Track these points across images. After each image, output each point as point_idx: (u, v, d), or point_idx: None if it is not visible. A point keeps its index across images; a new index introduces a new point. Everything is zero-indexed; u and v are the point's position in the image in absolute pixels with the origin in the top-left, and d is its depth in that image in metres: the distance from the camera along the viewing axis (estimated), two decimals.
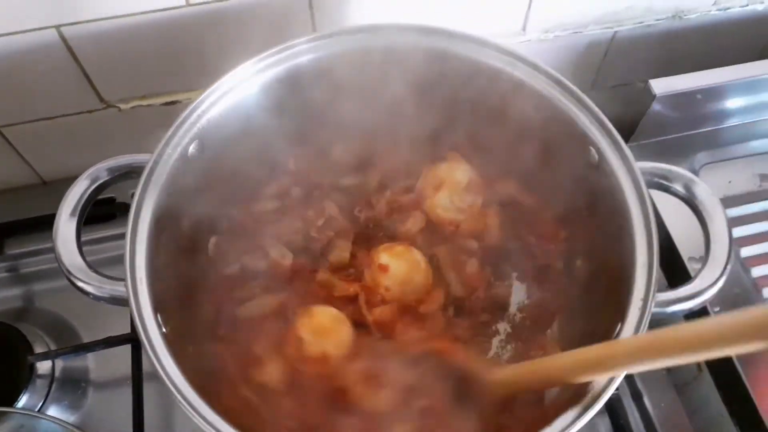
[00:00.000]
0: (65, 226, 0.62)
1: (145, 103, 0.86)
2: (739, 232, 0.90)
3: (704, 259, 0.62)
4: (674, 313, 0.61)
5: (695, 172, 0.94)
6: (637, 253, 0.60)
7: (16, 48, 0.74)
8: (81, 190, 0.64)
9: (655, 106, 0.90)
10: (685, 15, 0.95)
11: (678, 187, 0.66)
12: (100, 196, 0.70)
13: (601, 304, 0.66)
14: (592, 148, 0.66)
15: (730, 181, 0.94)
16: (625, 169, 0.64)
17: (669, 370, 0.83)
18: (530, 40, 0.93)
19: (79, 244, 0.61)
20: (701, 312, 0.77)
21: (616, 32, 0.95)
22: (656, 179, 0.66)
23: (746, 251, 0.88)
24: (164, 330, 0.58)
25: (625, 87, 1.04)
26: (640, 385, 0.82)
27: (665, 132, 0.95)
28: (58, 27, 0.73)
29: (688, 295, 0.61)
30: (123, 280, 0.58)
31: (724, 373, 0.79)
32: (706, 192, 0.65)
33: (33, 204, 0.89)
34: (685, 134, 0.96)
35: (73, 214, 0.62)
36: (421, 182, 0.77)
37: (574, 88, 0.68)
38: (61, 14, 0.72)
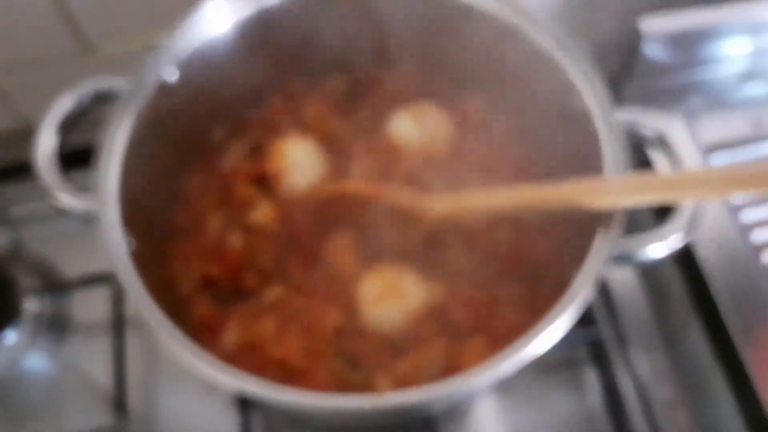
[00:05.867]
0: (46, 140, 0.63)
1: (126, 47, 0.86)
2: None
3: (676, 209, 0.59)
4: (651, 260, 0.58)
5: (690, 119, 0.92)
6: None
7: None
8: (64, 107, 0.64)
9: (646, 48, 0.87)
10: None
11: (651, 136, 0.63)
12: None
13: (561, 249, 0.65)
14: (574, 95, 0.64)
15: (724, 127, 0.92)
16: (603, 118, 0.62)
17: (658, 321, 0.83)
18: None
19: (58, 162, 0.62)
20: (685, 255, 0.79)
21: None
22: (633, 129, 0.63)
23: (737, 197, 0.85)
24: (132, 248, 0.59)
25: (620, 29, 0.95)
26: (625, 330, 0.81)
27: (659, 76, 0.93)
28: None
29: (653, 240, 0.58)
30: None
31: (710, 318, 0.79)
32: (680, 141, 0.62)
33: (17, 149, 0.88)
34: (680, 78, 0.94)
35: (54, 130, 0.63)
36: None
37: (557, 30, 0.66)
38: None
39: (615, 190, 0.58)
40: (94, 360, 0.79)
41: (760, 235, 0.83)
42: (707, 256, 0.80)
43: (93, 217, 0.60)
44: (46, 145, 0.62)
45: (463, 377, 0.51)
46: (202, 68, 0.69)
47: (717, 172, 0.54)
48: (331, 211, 0.69)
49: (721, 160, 0.90)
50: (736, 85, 0.95)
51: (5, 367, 0.77)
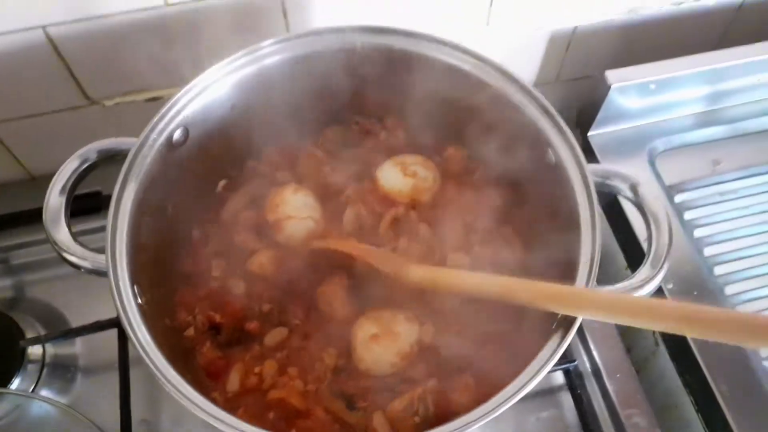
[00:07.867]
0: (55, 201, 0.65)
1: (128, 99, 0.90)
2: (692, 214, 0.94)
3: (645, 257, 0.64)
4: None
5: (653, 160, 0.99)
6: (582, 250, 0.63)
7: (2, 47, 0.78)
8: (71, 168, 0.67)
9: (612, 96, 0.94)
10: (639, 10, 1.00)
11: (625, 188, 0.68)
12: (87, 190, 0.74)
13: None
14: (549, 150, 0.69)
15: (684, 167, 0.98)
16: (578, 170, 0.67)
17: (629, 350, 0.87)
18: (494, 34, 0.97)
19: (67, 220, 0.65)
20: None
21: (576, 27, 1.00)
22: (606, 181, 0.68)
23: (699, 232, 0.92)
24: (140, 301, 0.62)
25: (589, 79, 1.08)
26: (599, 361, 0.85)
27: (624, 121, 1.00)
28: (44, 27, 0.78)
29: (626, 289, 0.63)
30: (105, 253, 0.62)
31: (678, 346, 0.84)
32: (650, 194, 0.67)
33: (22, 198, 0.92)
34: (643, 123, 1.01)
35: (62, 191, 0.66)
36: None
37: (533, 90, 0.71)
38: (47, 15, 0.77)
39: (581, 303, 0.59)
40: (99, 402, 0.81)
41: (723, 269, 0.89)
42: (675, 289, 0.85)
43: (102, 273, 0.62)
44: (54, 207, 0.65)
45: (463, 420, 0.55)
46: (205, 125, 0.73)
47: (681, 310, 0.54)
48: (326, 259, 0.73)
49: (683, 198, 0.96)
50: (693, 127, 1.01)
51: (11, 412, 0.77)
